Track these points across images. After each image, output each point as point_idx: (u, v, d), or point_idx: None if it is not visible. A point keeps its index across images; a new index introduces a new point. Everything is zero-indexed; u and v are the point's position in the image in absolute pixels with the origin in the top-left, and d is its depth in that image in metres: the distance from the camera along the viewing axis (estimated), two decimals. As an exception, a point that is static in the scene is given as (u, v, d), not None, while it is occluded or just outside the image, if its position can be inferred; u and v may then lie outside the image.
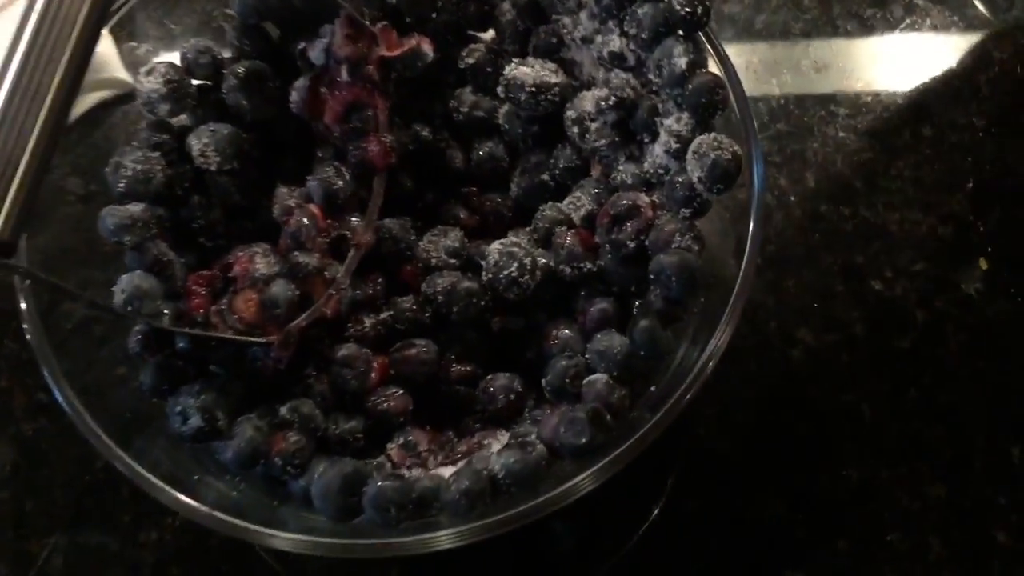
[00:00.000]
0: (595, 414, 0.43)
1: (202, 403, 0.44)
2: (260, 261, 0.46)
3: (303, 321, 0.46)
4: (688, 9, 0.45)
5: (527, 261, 0.48)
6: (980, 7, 0.69)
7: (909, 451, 0.55)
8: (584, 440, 0.42)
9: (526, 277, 0.47)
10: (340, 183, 0.48)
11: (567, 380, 0.46)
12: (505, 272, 0.47)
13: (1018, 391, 0.57)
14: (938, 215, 0.61)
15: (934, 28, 0.68)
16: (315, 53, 0.48)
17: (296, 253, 0.47)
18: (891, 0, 0.68)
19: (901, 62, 0.67)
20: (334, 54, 0.47)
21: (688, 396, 0.42)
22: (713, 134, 0.45)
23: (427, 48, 0.50)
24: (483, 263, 0.49)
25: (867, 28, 0.68)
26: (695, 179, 0.45)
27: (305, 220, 0.47)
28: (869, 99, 0.65)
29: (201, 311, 0.45)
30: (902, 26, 0.68)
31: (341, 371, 0.48)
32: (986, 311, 0.59)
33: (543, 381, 0.48)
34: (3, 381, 0.58)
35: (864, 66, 0.67)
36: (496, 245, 0.49)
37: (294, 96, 0.50)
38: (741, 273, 0.43)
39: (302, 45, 0.49)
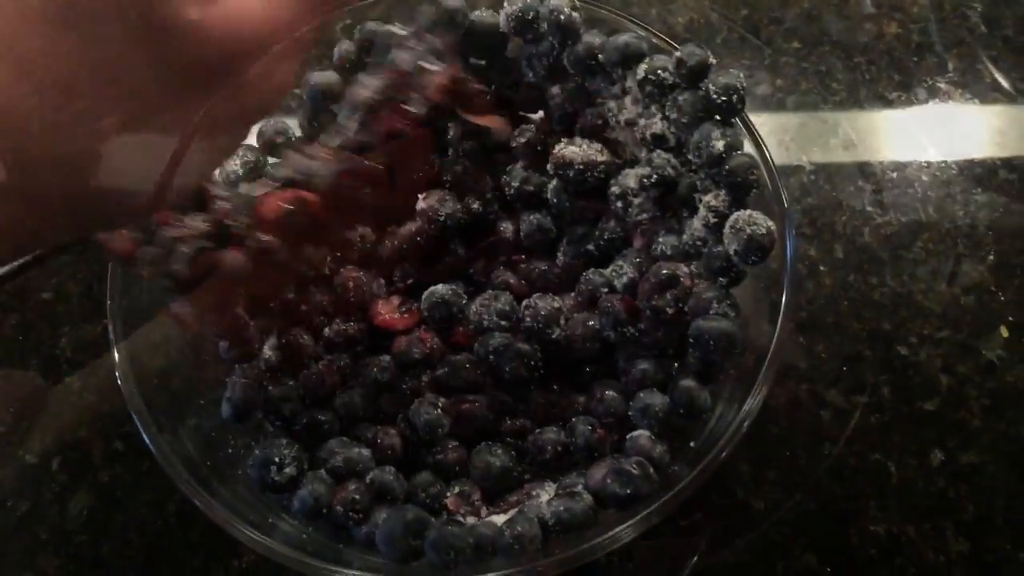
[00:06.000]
0: (640, 467, 0.45)
1: (296, 454, 0.48)
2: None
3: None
4: (724, 98, 0.49)
5: (556, 304, 0.53)
6: (1004, 83, 0.72)
7: (934, 509, 0.57)
8: (629, 491, 0.44)
9: (560, 319, 0.52)
10: None
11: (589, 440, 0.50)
12: (543, 313, 0.52)
13: (1039, 453, 0.59)
14: (961, 286, 0.64)
15: (956, 108, 0.72)
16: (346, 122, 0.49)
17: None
18: (915, 84, 0.72)
19: (924, 141, 0.70)
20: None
21: (724, 453, 0.44)
22: (748, 211, 0.48)
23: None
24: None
25: (892, 109, 0.72)
26: (731, 251, 0.48)
27: None
28: (895, 175, 0.68)
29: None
30: (925, 107, 0.72)
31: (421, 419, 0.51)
32: (1006, 376, 0.61)
33: (571, 440, 0.51)
34: (83, 432, 0.61)
35: (889, 144, 0.70)
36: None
37: None
38: (775, 339, 0.46)
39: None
